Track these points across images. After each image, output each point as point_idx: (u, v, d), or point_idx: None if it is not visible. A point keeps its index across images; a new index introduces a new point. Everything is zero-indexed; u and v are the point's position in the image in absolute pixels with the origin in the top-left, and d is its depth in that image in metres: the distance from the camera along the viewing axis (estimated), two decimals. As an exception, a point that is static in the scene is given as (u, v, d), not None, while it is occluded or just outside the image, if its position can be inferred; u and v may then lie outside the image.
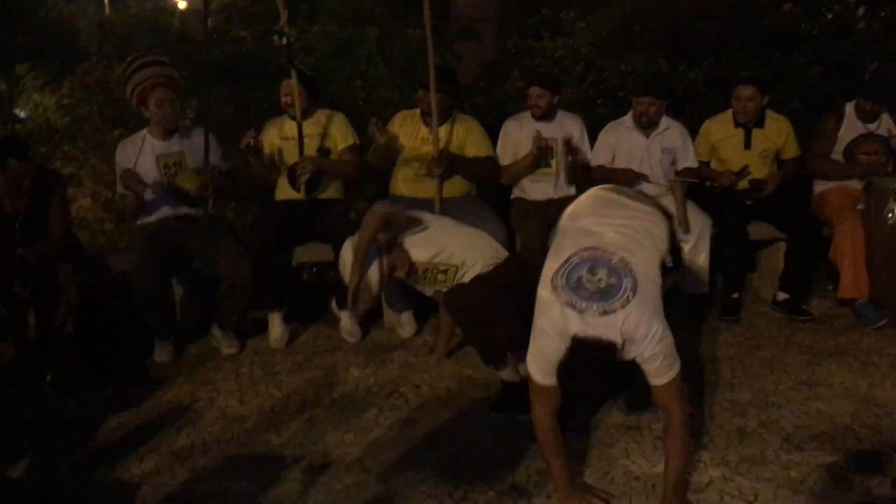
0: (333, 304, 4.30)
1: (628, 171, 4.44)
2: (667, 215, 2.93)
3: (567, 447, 2.71)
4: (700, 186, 4.61)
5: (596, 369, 2.44)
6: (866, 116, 4.40)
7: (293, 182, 4.23)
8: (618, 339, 2.45)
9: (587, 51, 6.15)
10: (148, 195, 4.02)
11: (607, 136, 4.55)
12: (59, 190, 3.89)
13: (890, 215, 3.97)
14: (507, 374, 3.33)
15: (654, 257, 2.69)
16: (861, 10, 6.21)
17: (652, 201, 3.01)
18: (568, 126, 4.58)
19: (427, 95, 4.20)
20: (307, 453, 3.04)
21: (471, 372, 3.68)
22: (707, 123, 4.63)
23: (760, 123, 4.51)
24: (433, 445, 3.08)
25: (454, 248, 3.47)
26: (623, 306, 2.46)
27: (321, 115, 4.34)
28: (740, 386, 3.50)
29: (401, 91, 5.45)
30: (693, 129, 4.69)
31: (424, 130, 4.34)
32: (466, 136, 4.39)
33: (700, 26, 5.77)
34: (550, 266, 2.63)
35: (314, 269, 4.96)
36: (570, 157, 4.47)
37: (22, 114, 6.46)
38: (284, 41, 4.17)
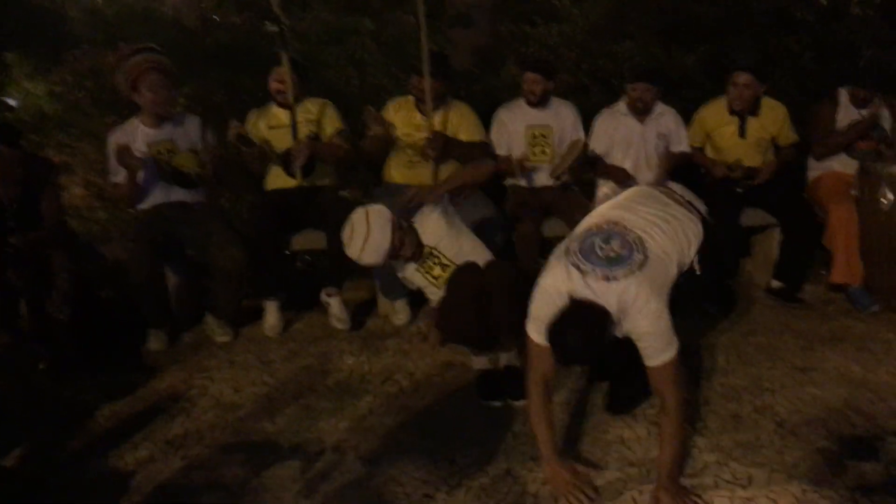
0: (323, 293, 4.28)
1: (621, 170, 4.43)
2: (706, 226, 2.92)
3: (555, 421, 2.77)
4: (695, 173, 4.60)
5: (583, 332, 2.47)
6: (860, 102, 4.40)
7: (288, 168, 4.20)
8: (612, 308, 2.50)
9: (581, 37, 6.12)
10: (142, 180, 3.99)
11: (603, 123, 4.53)
12: (50, 178, 3.87)
13: (884, 201, 3.97)
14: (479, 363, 3.37)
15: (674, 249, 2.72)
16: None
17: (697, 212, 2.97)
18: (562, 114, 4.56)
19: (420, 81, 4.18)
20: (301, 441, 3.04)
21: (465, 359, 3.67)
22: (702, 110, 4.62)
23: (755, 111, 4.49)
24: (428, 432, 3.08)
25: (458, 247, 3.42)
26: (626, 276, 2.52)
27: (308, 104, 4.32)
28: (734, 371, 3.51)
29: (394, 78, 5.42)
30: (688, 115, 4.68)
31: (418, 117, 4.33)
32: (460, 123, 4.38)
33: (695, 12, 5.74)
34: (569, 236, 2.73)
35: (308, 258, 4.94)
36: (572, 155, 4.43)
37: (12, 102, 6.40)
38: (277, 28, 4.14)
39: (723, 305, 4.24)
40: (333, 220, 4.05)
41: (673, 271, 2.70)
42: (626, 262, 2.57)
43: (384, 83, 5.28)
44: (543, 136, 4.50)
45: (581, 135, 4.55)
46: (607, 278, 2.54)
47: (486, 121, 4.55)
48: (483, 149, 4.45)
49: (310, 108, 4.30)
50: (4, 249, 3.57)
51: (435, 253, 3.40)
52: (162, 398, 3.46)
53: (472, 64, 5.87)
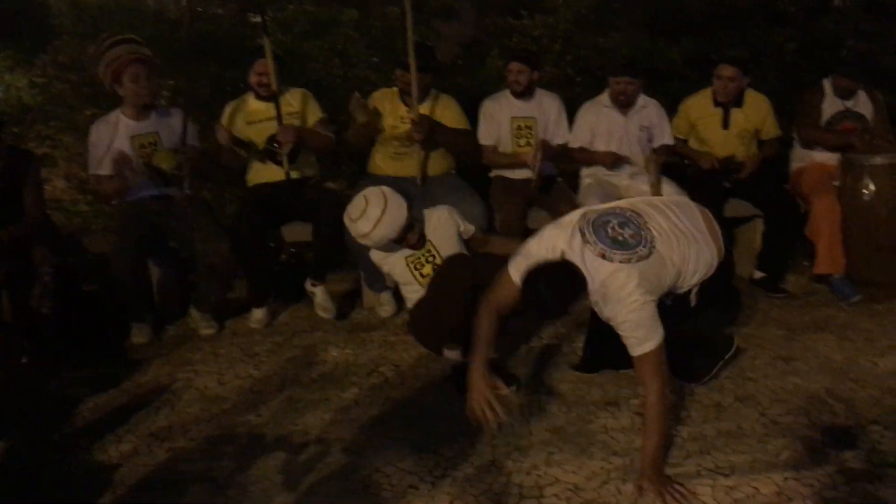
0: (308, 283, 4.28)
1: (609, 153, 4.44)
2: (720, 258, 2.97)
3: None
4: (677, 164, 4.63)
5: (556, 291, 2.58)
6: (843, 93, 4.43)
7: (273, 156, 4.17)
8: (594, 284, 2.59)
9: (566, 28, 6.12)
10: (135, 179, 3.96)
11: (586, 115, 4.55)
12: (32, 170, 3.83)
13: (865, 192, 4.01)
14: (453, 356, 3.35)
15: (679, 264, 2.77)
16: (839, -12, 6.24)
17: (719, 240, 3.00)
18: (546, 105, 4.57)
19: (405, 75, 4.17)
20: (287, 432, 3.03)
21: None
22: (686, 101, 4.65)
23: (739, 103, 4.52)
24: (413, 423, 3.08)
25: (448, 248, 3.43)
26: (621, 262, 2.58)
27: (289, 96, 4.28)
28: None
29: (379, 70, 5.41)
30: (673, 107, 4.70)
31: (403, 109, 4.32)
32: (444, 114, 4.37)
33: (680, 4, 5.76)
34: (596, 206, 2.85)
35: (293, 250, 4.93)
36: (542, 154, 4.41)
37: (-6, 94, 6.35)
38: (261, 17, 4.12)
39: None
40: (320, 213, 4.06)
41: (667, 282, 2.74)
42: (629, 250, 2.63)
43: (368, 75, 5.26)
44: (528, 127, 4.51)
45: (566, 130, 4.56)
46: (603, 256, 2.61)
47: (470, 113, 4.55)
48: (468, 137, 4.45)
49: (290, 101, 4.27)
50: (-14, 243, 3.55)
51: (432, 251, 3.41)
52: (146, 391, 3.45)
53: (456, 56, 5.86)
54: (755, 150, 4.57)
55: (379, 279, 4.22)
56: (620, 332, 2.63)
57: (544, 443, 2.89)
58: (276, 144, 4.11)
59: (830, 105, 4.44)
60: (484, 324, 2.81)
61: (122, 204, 4.04)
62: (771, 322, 3.95)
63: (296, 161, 4.19)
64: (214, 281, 3.94)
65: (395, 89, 4.38)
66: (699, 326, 3.07)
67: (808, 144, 4.51)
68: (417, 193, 4.26)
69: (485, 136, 4.53)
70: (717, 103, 4.52)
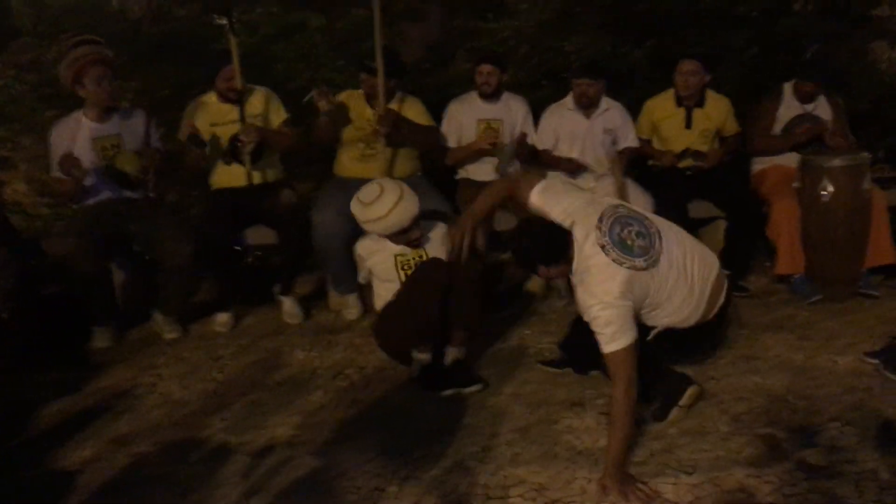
0: (276, 290, 4.26)
1: (570, 160, 4.47)
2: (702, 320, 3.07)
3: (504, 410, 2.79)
4: (642, 165, 4.68)
5: (543, 250, 2.83)
6: (803, 97, 4.50)
7: (236, 155, 4.12)
8: (580, 264, 2.78)
9: (532, 31, 6.15)
10: (87, 180, 3.91)
11: (549, 118, 4.58)
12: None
13: (824, 193, 4.06)
14: (422, 358, 3.38)
15: (664, 300, 2.91)
16: (798, -9, 6.33)
17: (714, 309, 3.12)
18: (513, 107, 4.60)
19: (370, 79, 4.16)
20: (251, 436, 3.02)
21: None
22: (649, 102, 4.70)
23: (701, 103, 4.59)
24: (379, 425, 3.08)
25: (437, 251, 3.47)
26: (613, 262, 2.71)
27: (253, 98, 4.24)
28: (679, 360, 3.55)
29: (344, 72, 5.39)
30: (636, 109, 4.74)
31: (369, 111, 4.30)
32: (409, 113, 4.36)
33: (641, 7, 5.81)
34: (624, 202, 3.06)
35: (258, 253, 4.90)
36: (519, 148, 4.45)
37: (-49, 95, 6.22)
38: (226, 20, 4.08)
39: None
40: (284, 220, 4.04)
41: (643, 302, 2.85)
42: (628, 255, 2.76)
43: (334, 77, 5.24)
44: (494, 129, 4.53)
45: (532, 132, 4.59)
46: (603, 247, 2.74)
47: (437, 114, 4.56)
48: (433, 133, 4.45)
49: (255, 102, 4.23)
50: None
51: (424, 257, 3.43)
52: (108, 396, 3.41)
53: (422, 58, 5.86)
54: (716, 147, 4.64)
55: (345, 281, 4.20)
56: (592, 328, 2.70)
57: (510, 443, 2.90)
58: (238, 143, 4.07)
59: (789, 109, 4.51)
60: (488, 201, 3.09)
61: (83, 206, 3.99)
62: (732, 321, 3.98)
63: (259, 161, 4.15)
64: (178, 284, 3.91)
65: (361, 91, 4.37)
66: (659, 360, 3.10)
67: (758, 154, 4.60)
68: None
69: (448, 138, 4.54)
70: (679, 103, 4.57)
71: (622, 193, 4.25)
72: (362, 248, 3.50)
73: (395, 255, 3.42)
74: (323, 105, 4.08)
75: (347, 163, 4.38)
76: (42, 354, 3.73)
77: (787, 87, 4.55)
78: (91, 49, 3.89)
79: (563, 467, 2.73)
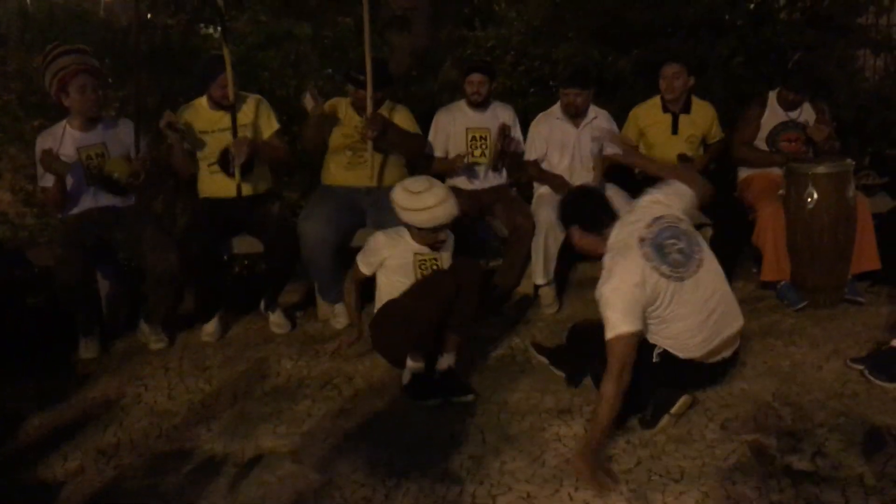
0: (262, 306, 4.25)
1: (559, 179, 4.46)
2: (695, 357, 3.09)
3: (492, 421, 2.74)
4: (628, 173, 4.69)
5: (587, 214, 3.09)
6: (788, 105, 4.53)
7: (226, 167, 4.12)
8: (612, 247, 2.96)
9: (519, 40, 6.17)
10: (70, 185, 3.89)
11: (539, 127, 4.58)
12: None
13: (809, 200, 4.09)
14: (415, 366, 3.38)
15: (674, 318, 2.96)
16: (782, 0, 6.36)
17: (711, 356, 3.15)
18: (501, 116, 4.60)
19: (358, 91, 4.16)
20: (238, 447, 3.00)
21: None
22: (635, 109, 4.73)
23: (687, 109, 4.62)
24: (366, 435, 3.07)
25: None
26: (643, 256, 2.86)
27: (244, 106, 4.21)
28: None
29: (332, 80, 5.39)
30: (623, 117, 4.77)
31: (357, 118, 4.29)
32: (396, 121, 4.35)
33: (627, 15, 5.84)
34: (676, 213, 3.06)
35: (245, 262, 4.89)
36: (499, 146, 4.46)
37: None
38: (219, 29, 4.06)
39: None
40: (272, 229, 4.03)
41: (652, 305, 2.90)
42: (658, 258, 2.88)
43: (321, 85, 5.24)
44: (482, 137, 4.53)
45: (521, 141, 4.60)
46: (641, 240, 2.90)
47: (425, 123, 4.56)
48: (420, 140, 4.46)
49: (247, 111, 4.21)
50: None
51: (439, 263, 3.48)
52: (93, 407, 3.39)
53: (410, 67, 5.87)
54: (702, 156, 4.68)
55: (333, 290, 4.19)
56: (600, 309, 2.82)
57: (497, 452, 2.90)
58: (230, 156, 4.06)
59: (773, 117, 4.54)
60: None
61: (68, 216, 3.96)
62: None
63: (250, 174, 4.14)
64: (164, 293, 3.88)
65: (349, 99, 4.36)
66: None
67: (739, 164, 4.63)
68: (370, 203, 4.26)
69: (435, 147, 4.54)
70: (665, 110, 4.60)
71: (597, 184, 4.30)
72: (383, 239, 3.49)
73: (415, 254, 3.45)
74: (310, 103, 4.06)
75: (335, 171, 4.37)
76: (27, 365, 3.70)
77: (772, 95, 4.59)
78: (76, 58, 3.88)
79: (550, 476, 2.73)
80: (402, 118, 4.39)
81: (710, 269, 3.04)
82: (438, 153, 4.54)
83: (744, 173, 4.66)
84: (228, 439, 3.06)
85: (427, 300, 3.27)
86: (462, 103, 4.59)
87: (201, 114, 4.19)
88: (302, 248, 4.05)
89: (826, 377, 3.45)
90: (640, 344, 2.89)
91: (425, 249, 3.46)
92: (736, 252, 4.46)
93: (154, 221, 4.10)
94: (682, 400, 3.04)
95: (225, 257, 4.41)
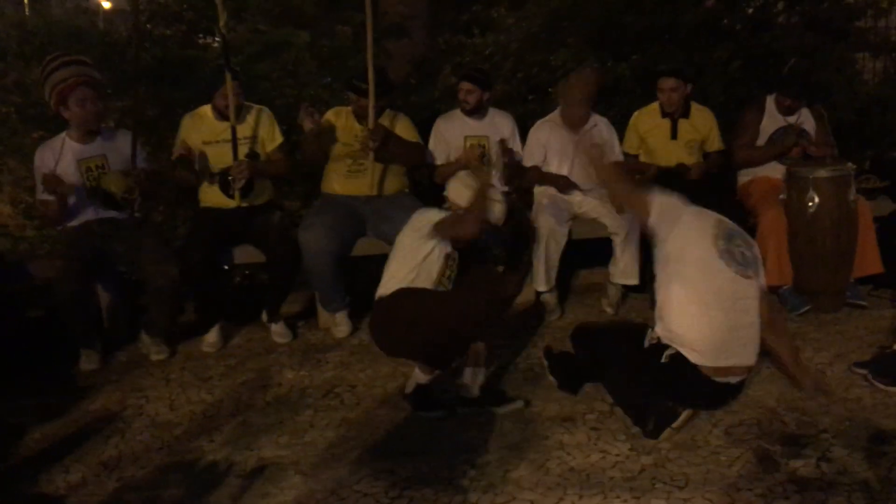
0: (264, 317, 4.24)
1: (562, 177, 4.48)
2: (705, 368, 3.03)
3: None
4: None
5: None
6: (785, 110, 4.53)
7: (226, 188, 4.11)
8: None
9: (517, 46, 6.18)
10: (70, 199, 3.89)
11: (538, 134, 4.58)
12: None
13: (810, 204, 4.09)
14: (424, 378, 3.29)
15: (704, 312, 2.97)
16: (780, 5, 6.37)
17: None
18: (499, 124, 4.60)
19: (359, 99, 4.16)
20: (240, 458, 2.99)
21: (406, 370, 3.65)
22: (636, 115, 4.74)
23: (686, 114, 4.63)
24: (369, 445, 3.06)
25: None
26: (717, 257, 2.96)
27: (248, 117, 4.21)
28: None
29: (330, 89, 5.39)
30: (622, 123, 4.77)
31: (357, 128, 4.29)
32: (396, 131, 4.36)
33: (626, 21, 5.85)
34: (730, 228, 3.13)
35: (246, 272, 4.88)
36: (504, 157, 4.46)
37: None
38: (220, 43, 4.06)
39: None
40: (273, 240, 4.03)
41: (680, 251, 3.01)
42: (726, 242, 2.98)
43: (320, 94, 5.24)
44: (481, 145, 4.53)
45: (519, 148, 4.60)
46: (717, 223, 3.06)
47: (423, 131, 4.56)
48: (420, 150, 4.46)
49: (248, 122, 4.19)
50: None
51: (456, 265, 3.42)
52: (95, 419, 3.37)
53: (408, 74, 5.87)
54: (701, 159, 4.67)
55: (334, 299, 4.19)
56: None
57: (501, 460, 2.89)
58: (229, 178, 4.05)
59: (771, 122, 4.54)
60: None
61: (68, 228, 3.95)
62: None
63: (249, 194, 4.12)
64: (164, 305, 3.88)
65: (349, 108, 4.36)
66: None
67: (741, 166, 4.62)
68: (370, 212, 4.26)
69: (436, 155, 4.54)
70: (664, 114, 4.61)
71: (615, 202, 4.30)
72: (420, 231, 3.34)
73: (447, 254, 3.34)
74: (307, 124, 4.07)
75: (336, 180, 4.37)
76: (27, 378, 3.70)
77: (770, 100, 4.59)
78: (76, 70, 3.86)
79: (554, 484, 2.72)
80: (403, 127, 4.39)
81: (755, 296, 3.02)
82: (440, 161, 4.53)
83: (744, 178, 4.65)
84: (231, 450, 3.05)
85: (461, 326, 3.13)
86: (459, 110, 4.59)
87: (206, 123, 4.18)
88: (303, 257, 4.05)
89: (830, 382, 3.44)
90: (653, 347, 2.93)
91: (454, 255, 3.40)
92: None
93: (154, 232, 4.09)
94: (685, 415, 3.02)
95: (225, 267, 4.40)
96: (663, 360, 2.97)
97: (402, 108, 4.63)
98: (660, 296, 3.07)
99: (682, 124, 4.62)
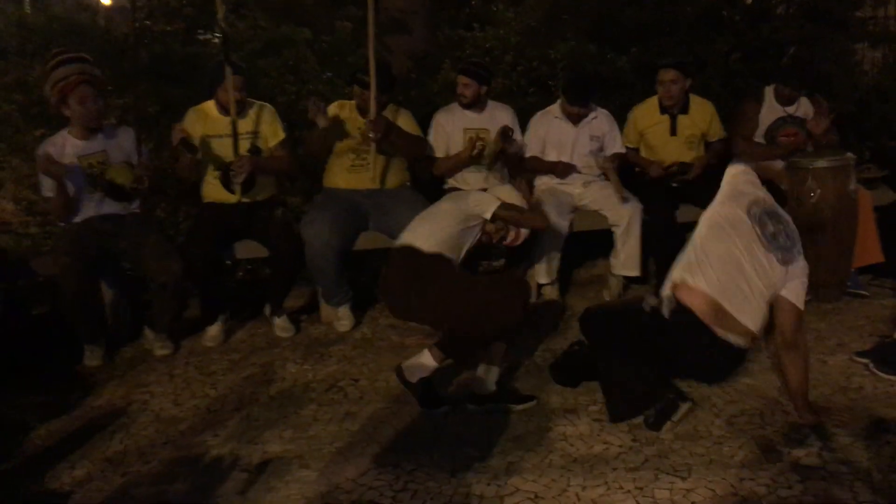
0: (267, 311, 4.26)
1: (559, 162, 4.51)
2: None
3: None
4: (630, 173, 4.70)
5: None
6: (785, 100, 4.54)
7: (227, 184, 4.12)
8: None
9: (517, 40, 6.17)
10: (72, 193, 3.88)
11: (537, 126, 4.60)
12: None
13: (811, 194, 4.09)
14: (430, 363, 3.26)
15: (741, 276, 2.96)
16: (779, -5, 6.38)
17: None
18: (499, 117, 4.61)
19: (364, 93, 4.17)
20: (245, 452, 3.00)
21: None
22: (634, 110, 4.73)
23: (685, 109, 4.62)
24: (373, 438, 3.07)
25: None
26: (753, 238, 2.96)
27: (251, 112, 4.22)
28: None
29: (331, 84, 5.39)
30: (620, 115, 4.77)
31: (360, 121, 4.30)
32: (400, 124, 4.36)
33: (626, 14, 5.84)
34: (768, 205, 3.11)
35: (248, 267, 4.89)
36: (500, 146, 4.47)
37: (-63, 116, 6.17)
38: (220, 38, 4.06)
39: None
40: (275, 238, 4.04)
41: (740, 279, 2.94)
42: (761, 239, 2.94)
43: (321, 89, 5.25)
44: (481, 138, 4.53)
45: (517, 137, 4.61)
46: (752, 203, 3.03)
47: (423, 125, 4.57)
48: (422, 143, 4.47)
49: (253, 118, 4.20)
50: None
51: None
52: (99, 415, 3.39)
53: (408, 69, 5.87)
54: (703, 154, 4.67)
55: (337, 293, 4.20)
56: None
57: (504, 452, 2.90)
58: (230, 172, 4.06)
59: (771, 112, 4.55)
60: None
61: (71, 224, 3.96)
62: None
63: (251, 190, 4.13)
64: (168, 300, 3.89)
65: (352, 102, 4.37)
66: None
67: (741, 158, 4.61)
68: (373, 205, 4.27)
69: (436, 149, 4.55)
70: (663, 111, 4.60)
71: (619, 192, 4.32)
72: (485, 197, 3.56)
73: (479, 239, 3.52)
74: (321, 121, 4.08)
75: (338, 174, 4.38)
76: (33, 374, 3.71)
77: (769, 91, 4.59)
78: (76, 68, 3.87)
79: (557, 475, 2.73)
80: (405, 121, 4.40)
81: (778, 283, 2.96)
82: (440, 154, 4.54)
83: (744, 169, 4.65)
84: (235, 445, 3.06)
85: (501, 320, 3.19)
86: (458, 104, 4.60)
87: (209, 117, 4.18)
88: (306, 252, 4.06)
89: (831, 371, 3.45)
90: (654, 310, 2.97)
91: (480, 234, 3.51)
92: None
93: (157, 228, 4.11)
94: (684, 408, 3.04)
95: (228, 262, 4.42)
96: (666, 315, 2.95)
97: (401, 103, 4.64)
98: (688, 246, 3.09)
99: (682, 120, 4.61)
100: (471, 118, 4.54)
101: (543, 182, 4.59)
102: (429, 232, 3.39)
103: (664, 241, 4.40)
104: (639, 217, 4.36)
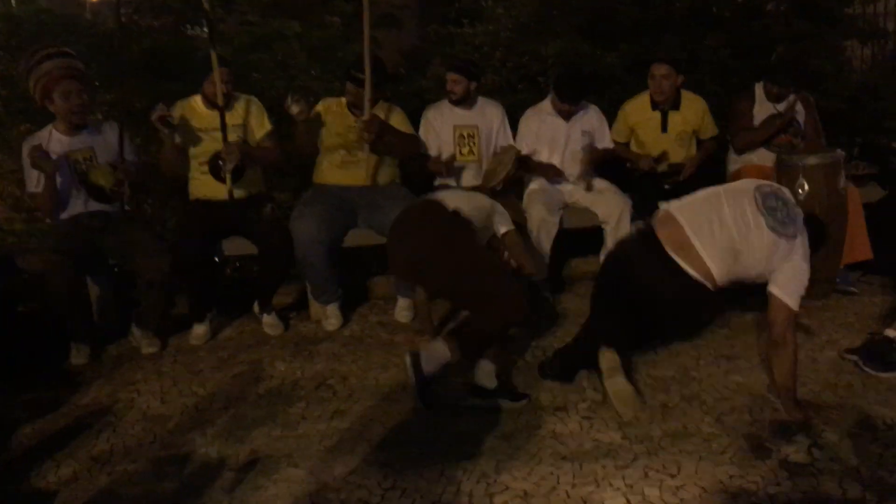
0: (256, 308, 4.24)
1: (552, 167, 4.49)
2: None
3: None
4: (620, 168, 4.69)
5: None
6: (774, 97, 4.54)
7: (216, 172, 4.09)
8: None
9: (507, 36, 6.16)
10: (58, 181, 3.83)
11: (528, 122, 4.58)
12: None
13: (800, 191, 4.09)
14: (445, 356, 3.21)
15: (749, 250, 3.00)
16: (769, -8, 6.38)
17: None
18: (489, 113, 4.60)
19: (356, 89, 4.14)
20: (233, 451, 2.98)
21: (398, 361, 3.66)
22: (625, 106, 4.73)
23: (676, 105, 4.62)
24: (362, 436, 3.05)
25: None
26: (754, 212, 2.99)
27: (238, 105, 4.19)
28: (663, 363, 3.58)
29: (321, 80, 5.37)
30: (613, 112, 4.76)
31: (351, 119, 4.27)
32: (389, 121, 4.34)
33: (615, 10, 5.83)
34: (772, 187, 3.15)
35: (237, 264, 4.87)
36: (512, 172, 4.40)
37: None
38: (206, 25, 4.02)
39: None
40: (264, 235, 4.01)
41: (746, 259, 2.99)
42: (756, 202, 2.99)
43: (311, 85, 5.22)
44: (470, 135, 4.53)
45: (510, 138, 4.59)
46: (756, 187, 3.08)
47: (413, 121, 4.55)
48: (415, 141, 4.46)
49: (239, 111, 4.18)
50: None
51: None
52: (86, 413, 3.36)
53: (398, 64, 5.85)
54: (694, 152, 4.67)
55: (325, 291, 4.18)
56: None
57: (493, 450, 2.89)
58: (220, 161, 4.03)
59: (761, 109, 4.55)
60: None
61: (57, 221, 3.93)
62: (713, 321, 4.00)
63: (241, 179, 4.11)
64: (156, 298, 3.86)
65: (342, 99, 4.34)
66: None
67: (744, 151, 4.62)
68: (363, 203, 4.24)
69: (427, 145, 4.53)
70: (654, 107, 4.60)
71: (588, 184, 4.38)
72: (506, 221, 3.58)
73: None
74: (294, 109, 4.03)
75: (328, 170, 4.35)
76: (19, 372, 3.68)
77: (759, 88, 4.60)
78: (59, 62, 3.82)
79: (547, 473, 2.72)
80: (398, 119, 4.39)
81: (775, 254, 2.98)
82: (433, 152, 4.52)
83: (734, 166, 4.66)
84: (223, 443, 3.04)
85: (502, 320, 3.19)
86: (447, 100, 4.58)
87: (196, 112, 4.15)
88: (295, 248, 4.03)
89: (821, 368, 3.46)
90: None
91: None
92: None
93: (145, 225, 4.07)
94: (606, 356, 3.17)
95: (216, 259, 4.39)
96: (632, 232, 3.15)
97: (392, 98, 4.61)
98: None
99: (673, 116, 4.61)
100: (460, 115, 4.53)
101: (537, 181, 4.57)
102: (466, 201, 3.46)
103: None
104: (629, 214, 4.35)
